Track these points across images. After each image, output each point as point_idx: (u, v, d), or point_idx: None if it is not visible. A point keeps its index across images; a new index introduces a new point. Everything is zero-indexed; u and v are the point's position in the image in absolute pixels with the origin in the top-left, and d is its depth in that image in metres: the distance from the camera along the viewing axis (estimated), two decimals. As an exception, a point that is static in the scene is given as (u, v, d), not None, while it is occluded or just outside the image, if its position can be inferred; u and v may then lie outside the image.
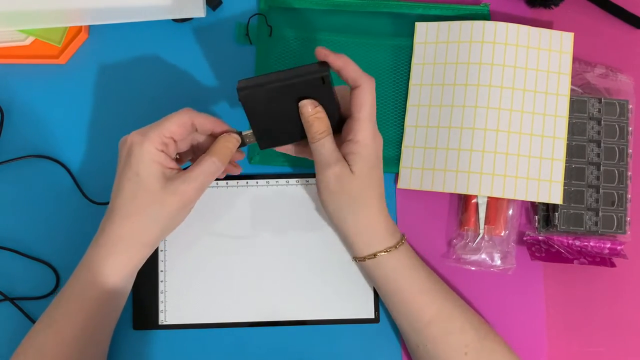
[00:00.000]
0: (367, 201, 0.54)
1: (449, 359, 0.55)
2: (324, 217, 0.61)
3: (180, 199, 0.51)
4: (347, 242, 0.57)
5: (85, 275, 0.52)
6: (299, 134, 0.54)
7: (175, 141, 0.53)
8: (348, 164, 0.53)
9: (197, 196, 0.52)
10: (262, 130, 0.54)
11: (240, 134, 0.55)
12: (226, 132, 0.54)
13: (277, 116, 0.53)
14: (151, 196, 0.51)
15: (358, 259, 0.56)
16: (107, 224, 0.52)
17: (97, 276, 0.52)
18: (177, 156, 0.57)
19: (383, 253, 0.55)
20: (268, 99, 0.52)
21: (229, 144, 0.53)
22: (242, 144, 0.55)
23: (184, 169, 0.53)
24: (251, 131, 0.54)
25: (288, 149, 0.57)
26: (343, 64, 0.52)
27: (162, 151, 0.51)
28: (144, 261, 0.54)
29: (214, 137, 0.54)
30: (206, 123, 0.53)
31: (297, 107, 0.53)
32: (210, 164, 0.52)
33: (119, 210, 0.52)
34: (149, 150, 0.50)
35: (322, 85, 0.52)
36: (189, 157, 0.57)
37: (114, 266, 0.52)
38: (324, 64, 0.52)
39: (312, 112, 0.52)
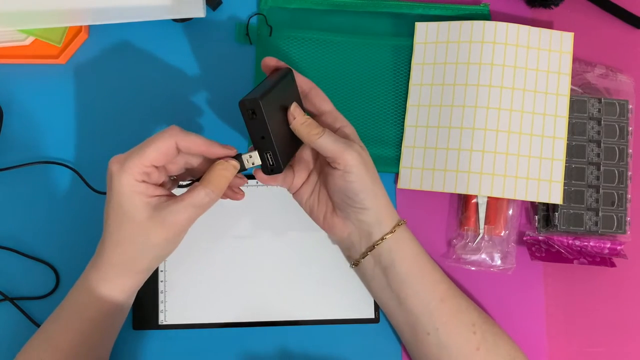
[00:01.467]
0: (377, 173, 0.56)
1: (459, 340, 0.55)
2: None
3: (167, 231, 0.48)
4: (376, 220, 0.55)
5: (82, 295, 0.52)
6: (298, 143, 0.54)
7: (158, 167, 0.49)
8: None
9: (187, 227, 0.49)
10: (280, 147, 0.51)
11: (239, 157, 0.50)
12: (222, 156, 0.50)
13: (279, 126, 0.52)
14: (136, 227, 0.48)
15: (386, 235, 0.54)
16: (101, 248, 0.51)
17: (93, 299, 0.51)
18: (174, 177, 0.53)
19: (402, 223, 0.56)
20: (272, 109, 0.50)
21: (226, 172, 0.49)
22: (242, 169, 0.50)
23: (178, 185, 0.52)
24: (249, 153, 0.50)
25: (277, 179, 0.55)
26: (293, 70, 0.55)
27: (144, 181, 0.48)
28: (142, 284, 0.53)
29: (210, 160, 0.51)
30: (192, 146, 0.49)
31: (285, 112, 0.52)
32: (203, 196, 0.48)
33: (109, 237, 0.50)
34: (128, 182, 0.47)
35: (293, 83, 0.54)
36: (187, 178, 0.54)
37: (108, 290, 0.51)
38: (278, 68, 0.54)
39: (303, 113, 0.53)
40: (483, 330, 0.55)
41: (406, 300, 0.56)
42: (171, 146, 0.48)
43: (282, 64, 0.54)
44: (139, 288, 0.53)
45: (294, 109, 0.52)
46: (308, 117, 0.53)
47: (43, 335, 0.53)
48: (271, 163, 0.51)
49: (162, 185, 0.51)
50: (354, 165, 0.52)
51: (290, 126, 0.53)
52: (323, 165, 0.56)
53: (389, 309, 0.58)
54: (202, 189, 0.48)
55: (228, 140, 0.59)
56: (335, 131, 0.55)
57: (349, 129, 0.55)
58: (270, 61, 0.54)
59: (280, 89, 0.51)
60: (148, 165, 0.48)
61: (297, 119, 0.52)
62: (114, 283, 0.51)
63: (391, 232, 0.55)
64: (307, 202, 0.57)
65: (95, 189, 0.61)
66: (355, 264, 0.58)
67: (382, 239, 0.55)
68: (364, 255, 0.57)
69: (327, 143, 0.52)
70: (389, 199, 0.57)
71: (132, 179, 0.47)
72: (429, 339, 0.56)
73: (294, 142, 0.54)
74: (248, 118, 0.48)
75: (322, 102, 0.56)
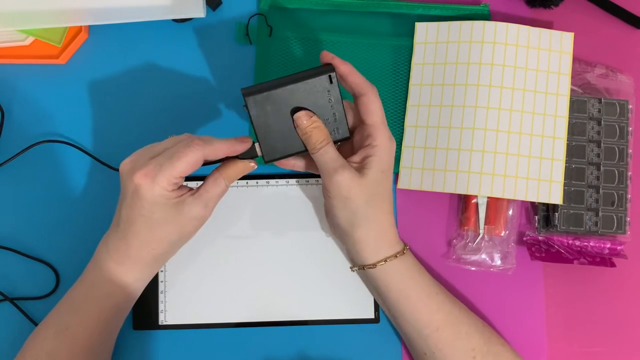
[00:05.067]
0: (379, 205, 0.53)
1: None
2: (324, 217, 0.61)
3: (199, 222, 0.52)
4: (354, 249, 0.55)
5: (103, 286, 0.52)
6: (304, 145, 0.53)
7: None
8: (364, 168, 0.52)
9: (211, 214, 0.53)
10: (268, 141, 0.52)
11: (253, 144, 0.53)
12: (242, 151, 0.52)
13: (282, 124, 0.52)
14: (169, 228, 0.51)
15: (366, 267, 0.55)
16: (122, 244, 0.51)
17: (117, 288, 0.52)
18: None
19: (392, 259, 0.54)
20: (275, 105, 0.51)
21: (246, 170, 0.53)
22: (254, 156, 0.53)
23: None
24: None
25: (296, 166, 0.56)
26: (349, 70, 0.52)
27: (173, 190, 0.50)
28: None
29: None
30: (218, 154, 0.51)
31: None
32: (224, 187, 0.52)
33: (136, 236, 0.51)
34: (160, 194, 0.49)
35: (330, 85, 0.51)
36: None
37: (133, 281, 0.53)
38: (329, 65, 0.52)
39: (308, 124, 0.52)
40: (483, 353, 0.55)
41: (399, 323, 0.57)
42: (200, 159, 0.50)
43: (335, 61, 0.52)
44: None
45: (298, 117, 0.52)
46: (313, 126, 0.52)
47: (58, 326, 0.53)
48: (260, 153, 0.53)
49: None
50: (331, 194, 0.52)
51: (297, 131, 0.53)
52: None
53: (388, 318, 0.59)
54: (223, 180, 0.52)
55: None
56: (362, 146, 0.53)
57: (375, 151, 0.52)
58: (326, 56, 0.52)
59: (304, 85, 0.51)
60: (178, 178, 0.50)
61: (299, 128, 0.52)
62: (139, 274, 0.53)
63: (371, 266, 0.54)
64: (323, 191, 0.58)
65: (108, 164, 0.61)
66: (350, 268, 0.58)
67: (362, 267, 0.55)
68: (353, 268, 0.57)
69: (317, 161, 0.52)
70: (385, 231, 0.54)
71: (164, 190, 0.49)
72: (426, 357, 0.56)
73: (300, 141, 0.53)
74: (244, 106, 0.51)
75: (366, 113, 0.52)
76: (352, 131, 0.55)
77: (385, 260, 0.54)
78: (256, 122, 0.52)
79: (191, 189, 0.52)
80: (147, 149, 0.52)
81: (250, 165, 0.53)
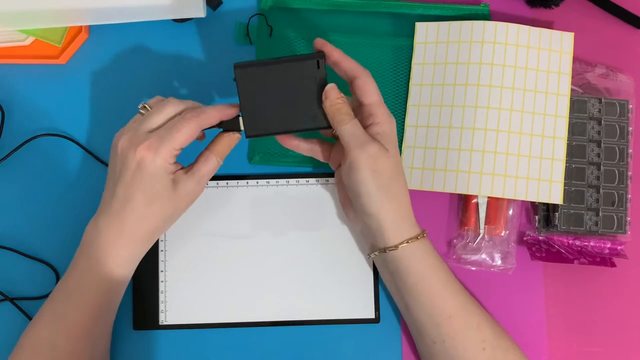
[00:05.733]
0: (401, 182, 0.54)
1: (467, 355, 0.54)
2: (324, 217, 0.61)
3: (192, 199, 0.54)
4: (378, 230, 0.54)
5: (98, 268, 0.53)
6: (289, 125, 0.54)
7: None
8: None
9: (203, 190, 0.55)
10: (252, 116, 0.54)
11: (238, 117, 0.54)
12: (235, 116, 0.54)
13: (268, 102, 0.53)
14: (167, 203, 0.52)
15: (388, 249, 0.54)
16: (115, 221, 0.52)
17: (111, 270, 0.53)
18: None
19: (414, 240, 0.54)
20: (263, 82, 0.53)
21: (232, 142, 0.55)
22: (238, 129, 0.55)
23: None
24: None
25: (299, 147, 0.57)
26: (341, 56, 0.54)
27: (173, 162, 0.52)
28: None
29: None
30: (212, 122, 0.53)
31: (292, 94, 0.53)
32: (216, 164, 0.54)
33: (131, 212, 0.52)
34: (162, 166, 0.51)
35: (317, 70, 0.53)
36: None
37: (125, 259, 0.53)
38: (320, 52, 0.53)
39: (339, 96, 0.52)
40: (493, 347, 0.55)
41: (412, 309, 0.56)
42: (196, 129, 0.52)
43: (326, 48, 0.54)
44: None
45: (328, 90, 0.53)
46: (342, 101, 0.52)
47: (54, 314, 0.53)
48: (243, 127, 0.54)
49: None
50: (359, 166, 0.52)
51: (323, 105, 0.53)
52: None
53: (399, 307, 0.59)
54: (214, 157, 0.54)
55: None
56: (366, 127, 0.54)
57: (382, 128, 0.53)
58: (318, 42, 0.54)
59: (292, 67, 0.53)
60: (178, 149, 0.52)
61: (328, 100, 0.53)
62: (131, 252, 0.54)
63: (393, 247, 0.54)
64: (339, 183, 0.60)
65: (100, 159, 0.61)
66: (368, 255, 0.58)
67: (384, 250, 0.55)
68: (372, 253, 0.57)
69: (344, 133, 0.53)
70: (407, 211, 0.55)
71: (166, 163, 0.51)
72: (436, 347, 0.55)
73: (292, 121, 0.54)
74: (234, 79, 0.53)
75: (363, 94, 0.53)
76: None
77: (408, 242, 0.54)
78: (242, 95, 0.53)
79: (183, 166, 0.54)
80: (137, 124, 0.53)
81: (235, 137, 0.55)
